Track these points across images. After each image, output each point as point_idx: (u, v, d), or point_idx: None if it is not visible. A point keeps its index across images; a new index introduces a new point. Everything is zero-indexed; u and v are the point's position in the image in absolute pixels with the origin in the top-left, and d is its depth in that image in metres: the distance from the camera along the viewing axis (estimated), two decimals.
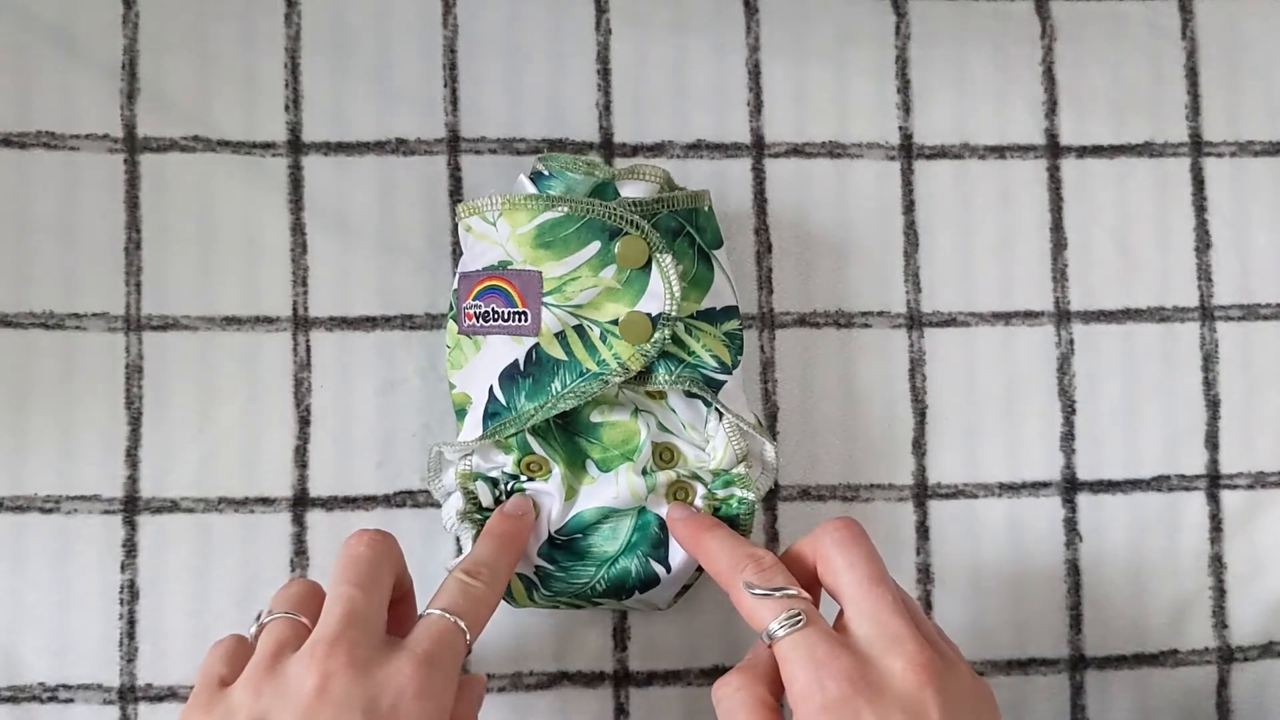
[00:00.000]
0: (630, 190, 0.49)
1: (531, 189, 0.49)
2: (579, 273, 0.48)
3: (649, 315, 0.48)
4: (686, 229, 0.49)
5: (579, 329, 0.48)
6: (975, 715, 0.41)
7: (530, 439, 0.48)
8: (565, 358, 0.48)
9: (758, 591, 0.42)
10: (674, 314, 0.47)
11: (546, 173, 0.49)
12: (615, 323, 0.48)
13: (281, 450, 0.52)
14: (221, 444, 0.52)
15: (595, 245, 0.48)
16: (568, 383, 0.47)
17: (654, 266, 0.48)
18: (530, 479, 0.48)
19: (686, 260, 0.49)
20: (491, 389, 0.48)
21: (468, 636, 0.43)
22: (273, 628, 0.42)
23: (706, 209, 0.50)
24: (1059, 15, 0.56)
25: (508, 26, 0.54)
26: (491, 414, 0.48)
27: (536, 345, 0.48)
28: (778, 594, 0.42)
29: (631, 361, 0.47)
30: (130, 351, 0.52)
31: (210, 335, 0.52)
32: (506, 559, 0.46)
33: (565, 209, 0.48)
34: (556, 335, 0.48)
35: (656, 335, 0.47)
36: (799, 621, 0.41)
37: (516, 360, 0.48)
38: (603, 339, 0.48)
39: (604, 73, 0.55)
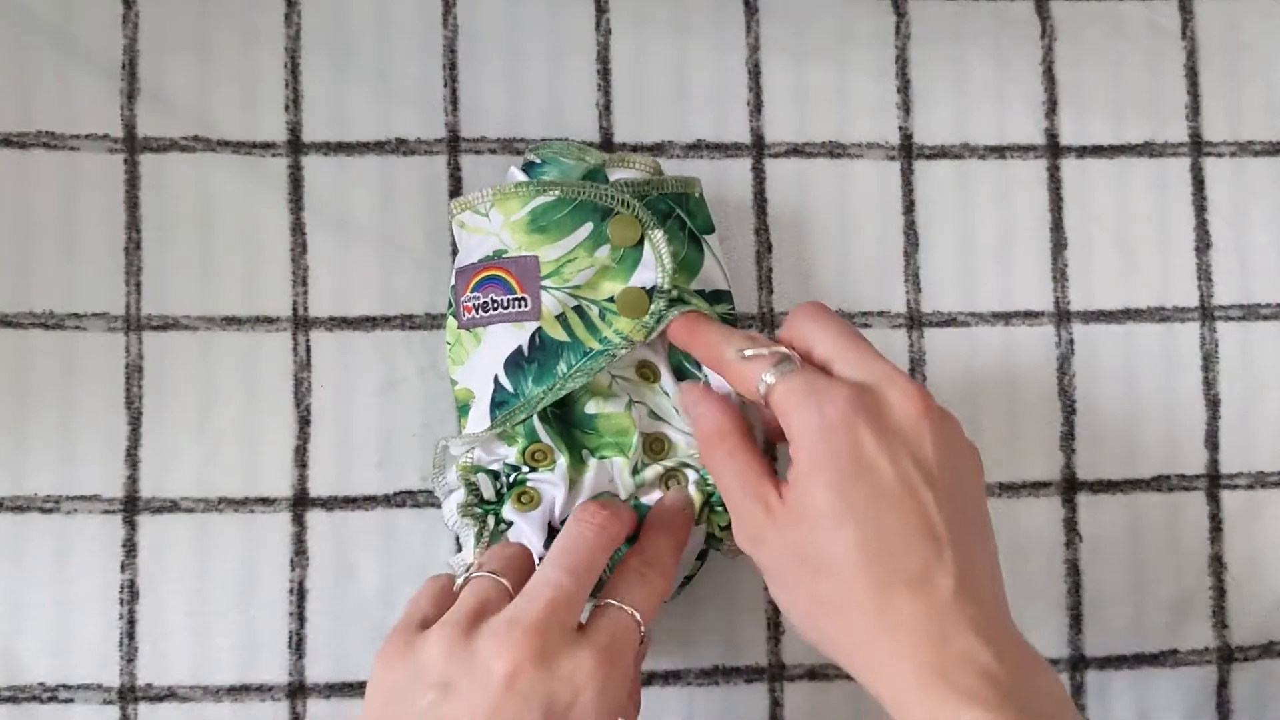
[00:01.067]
0: (621, 175, 0.49)
1: (523, 179, 0.49)
2: (575, 254, 0.48)
3: (644, 288, 0.48)
4: (677, 212, 0.49)
5: (578, 309, 0.48)
6: (964, 462, 0.43)
7: (538, 426, 0.48)
8: (568, 339, 0.48)
9: (749, 353, 0.43)
10: (667, 286, 0.48)
11: (539, 161, 0.50)
12: (612, 300, 0.48)
13: (281, 450, 0.52)
14: (221, 444, 0.52)
15: (589, 226, 0.48)
16: (573, 363, 0.47)
17: (646, 244, 0.48)
18: (534, 469, 0.48)
19: (677, 242, 0.49)
20: (497, 378, 0.48)
21: (642, 629, 0.43)
22: (478, 585, 0.43)
23: (697, 195, 0.50)
24: (1059, 15, 0.56)
25: (508, 26, 0.54)
26: (499, 403, 0.48)
27: (539, 329, 0.48)
28: (769, 351, 0.43)
29: (634, 334, 0.47)
30: (130, 351, 0.52)
31: (210, 335, 0.52)
32: (676, 550, 0.47)
33: (557, 193, 0.48)
34: (557, 317, 0.48)
35: (654, 306, 0.48)
36: (793, 365, 0.43)
37: (520, 346, 0.48)
38: (602, 317, 0.48)
39: (604, 73, 0.55)
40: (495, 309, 0.48)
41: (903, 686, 0.40)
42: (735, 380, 0.45)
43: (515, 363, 0.48)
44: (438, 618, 0.42)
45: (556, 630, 0.41)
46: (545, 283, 0.48)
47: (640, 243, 0.48)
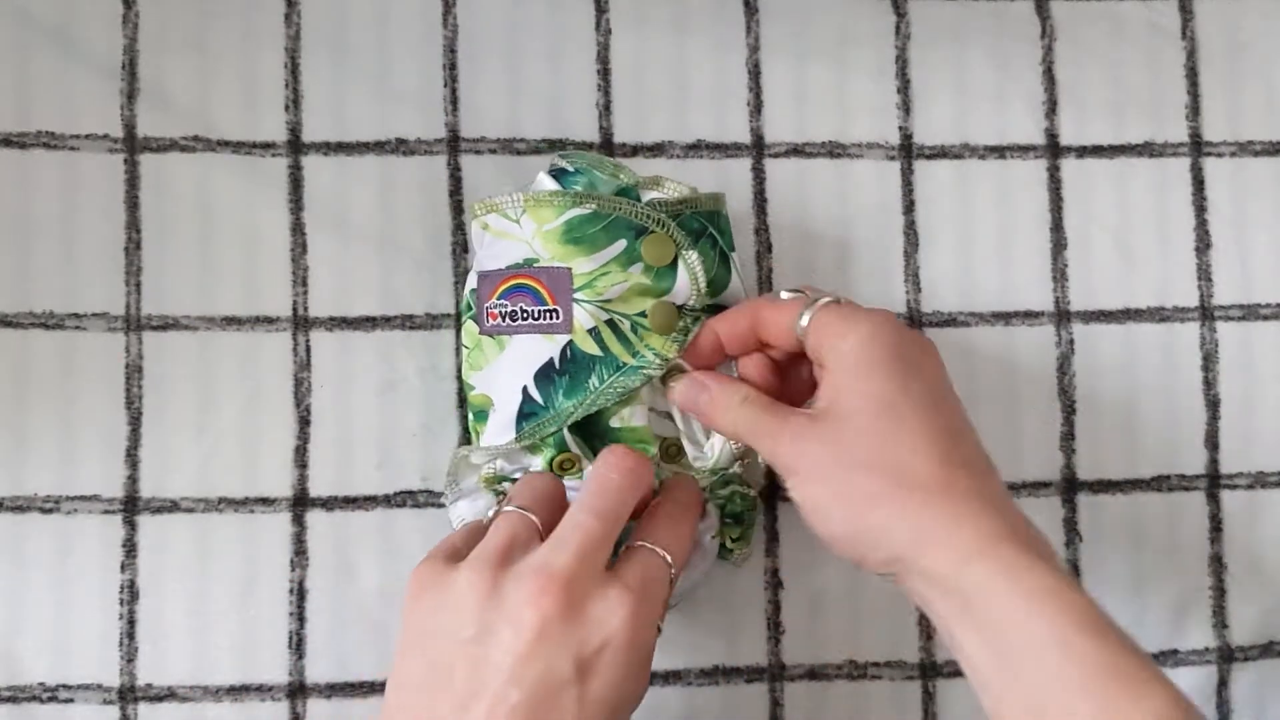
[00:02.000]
0: (652, 196, 0.49)
1: (553, 185, 0.49)
2: (609, 268, 0.47)
3: (676, 305, 0.48)
4: (709, 230, 0.49)
5: (611, 323, 0.48)
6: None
7: (567, 436, 0.48)
8: (601, 353, 0.47)
9: (786, 295, 0.47)
10: (699, 306, 0.48)
11: (571, 169, 0.49)
12: (643, 315, 0.48)
13: (281, 450, 0.52)
14: (221, 444, 0.52)
15: (622, 243, 0.47)
16: (605, 378, 0.47)
17: (680, 263, 0.48)
18: (561, 478, 0.48)
19: (709, 261, 0.48)
20: (526, 389, 0.48)
21: (673, 571, 0.44)
22: (506, 520, 0.44)
23: (724, 212, 0.50)
24: (1059, 15, 0.56)
25: (508, 26, 0.54)
26: (527, 414, 0.48)
27: (571, 342, 0.47)
28: (808, 292, 0.47)
29: (666, 350, 0.47)
30: (130, 351, 0.52)
31: (210, 335, 0.52)
32: (696, 510, 0.47)
33: (593, 206, 0.47)
34: (590, 331, 0.47)
35: (682, 323, 0.48)
36: (831, 299, 0.46)
37: (551, 359, 0.47)
38: (634, 330, 0.48)
39: (604, 73, 0.55)
40: (525, 319, 0.48)
41: (963, 553, 0.41)
42: (773, 318, 0.46)
43: (546, 375, 0.47)
44: (468, 552, 0.43)
45: (585, 575, 0.41)
46: (578, 295, 0.47)
47: (674, 262, 0.48)
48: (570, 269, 0.47)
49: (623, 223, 0.48)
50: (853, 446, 0.42)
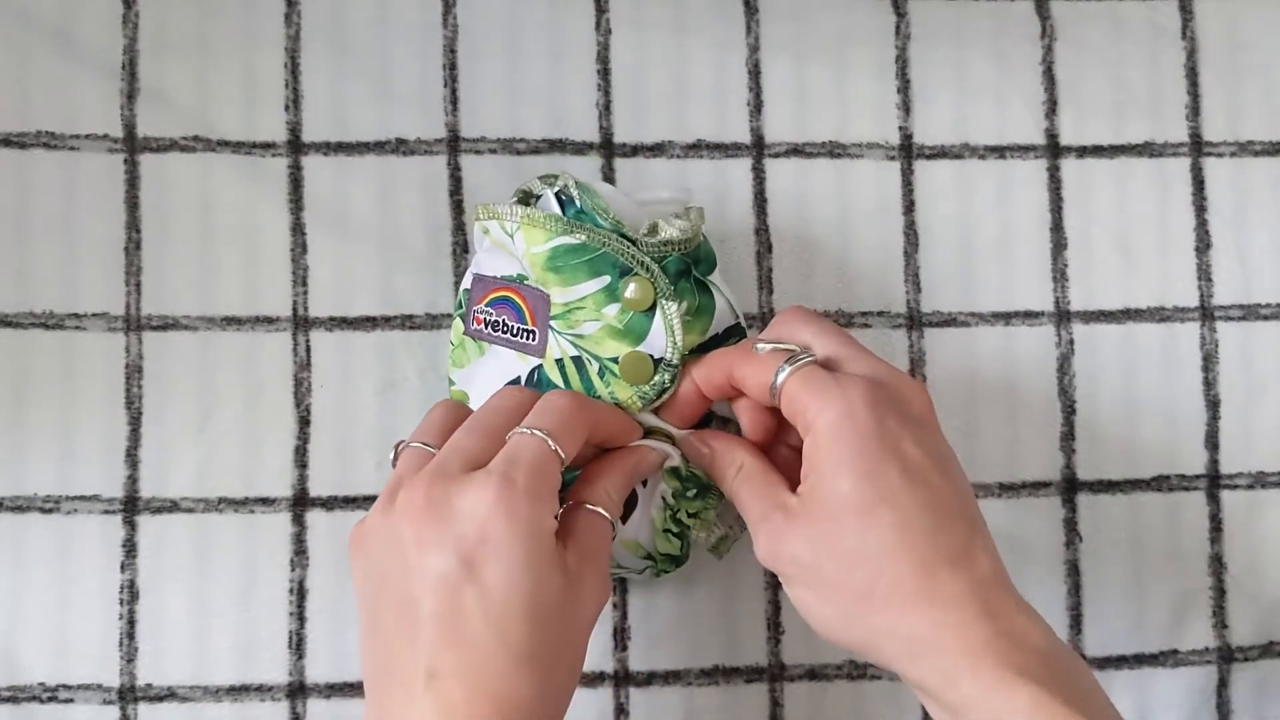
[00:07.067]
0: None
1: (556, 208, 0.48)
2: (584, 303, 0.47)
3: (650, 356, 0.47)
4: (690, 269, 0.48)
5: (578, 360, 0.47)
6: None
7: None
8: (562, 387, 0.47)
9: (765, 348, 0.44)
10: (674, 360, 0.47)
11: (578, 204, 0.47)
12: (615, 360, 0.47)
13: (281, 450, 0.52)
14: (221, 444, 0.52)
15: (604, 279, 0.46)
16: None
17: (658, 314, 0.47)
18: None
19: (689, 296, 0.47)
20: None
21: (553, 446, 0.42)
22: (403, 459, 0.45)
23: (702, 238, 0.49)
24: (1059, 15, 0.56)
25: (508, 26, 0.54)
26: None
27: (540, 367, 0.47)
28: (784, 346, 0.44)
29: (631, 404, 0.47)
30: (130, 351, 0.52)
31: (210, 335, 0.52)
32: (621, 427, 0.47)
33: (583, 237, 0.46)
34: (557, 361, 0.47)
35: (656, 378, 0.47)
36: (808, 359, 0.43)
37: (519, 378, 0.48)
38: (601, 375, 0.47)
39: (604, 73, 0.55)
40: (503, 332, 0.48)
41: (950, 665, 0.39)
42: (748, 377, 0.44)
43: None
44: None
45: (445, 476, 0.42)
46: (553, 324, 0.47)
47: (652, 309, 0.47)
48: (549, 295, 0.47)
49: (609, 259, 0.46)
50: (832, 541, 0.41)
